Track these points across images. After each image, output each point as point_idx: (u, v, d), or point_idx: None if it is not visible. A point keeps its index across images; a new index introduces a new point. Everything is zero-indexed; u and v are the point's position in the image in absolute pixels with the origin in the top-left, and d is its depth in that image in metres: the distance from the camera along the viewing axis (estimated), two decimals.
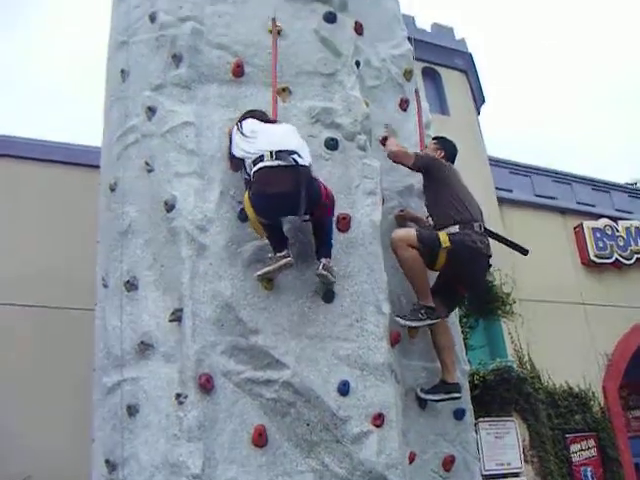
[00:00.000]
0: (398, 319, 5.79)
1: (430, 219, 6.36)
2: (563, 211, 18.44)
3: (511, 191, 17.46)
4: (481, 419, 12.54)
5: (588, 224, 18.12)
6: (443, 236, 5.82)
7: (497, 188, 16.77)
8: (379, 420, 5.33)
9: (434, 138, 6.96)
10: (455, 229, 5.89)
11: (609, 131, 54.00)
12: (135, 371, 5.54)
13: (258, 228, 5.33)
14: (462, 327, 7.63)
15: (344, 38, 6.68)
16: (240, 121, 5.66)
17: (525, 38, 58.77)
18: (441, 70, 17.04)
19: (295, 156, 5.24)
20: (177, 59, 6.23)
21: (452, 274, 6.04)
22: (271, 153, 5.20)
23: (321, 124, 6.20)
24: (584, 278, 17.79)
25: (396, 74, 7.23)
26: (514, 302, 14.06)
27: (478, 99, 18.38)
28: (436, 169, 6.31)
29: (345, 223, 5.85)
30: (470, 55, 17.89)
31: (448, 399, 6.05)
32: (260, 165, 5.20)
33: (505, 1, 58.21)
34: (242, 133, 5.50)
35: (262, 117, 5.72)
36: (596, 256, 17.82)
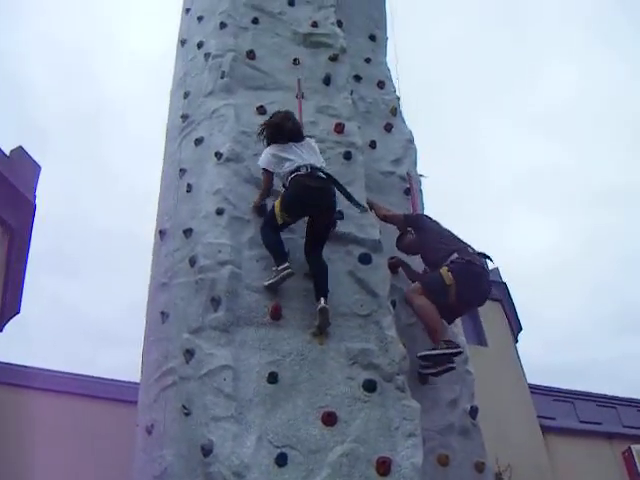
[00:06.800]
0: (423, 353, 6.47)
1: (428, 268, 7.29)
2: (610, 436, 17.85)
3: (554, 419, 17.07)
4: None
5: (636, 447, 17.39)
6: (444, 272, 6.67)
7: (540, 416, 16.46)
8: None
9: None
10: (455, 256, 6.80)
11: None
12: None
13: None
14: None
15: (379, 278, 6.84)
16: (271, 141, 6.95)
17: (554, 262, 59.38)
18: None
19: (324, 170, 6.67)
20: (216, 302, 6.36)
21: (460, 296, 6.69)
22: (306, 167, 6.55)
23: (359, 365, 6.19)
24: None
25: None
26: None
27: (515, 327, 18.41)
28: (421, 221, 7.44)
29: (385, 467, 5.67)
30: (504, 284, 18.11)
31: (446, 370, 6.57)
32: (297, 173, 6.52)
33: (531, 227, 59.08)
34: (277, 154, 6.77)
35: (292, 134, 6.88)
36: None
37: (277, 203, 6.53)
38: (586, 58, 55.59)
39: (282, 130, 6.90)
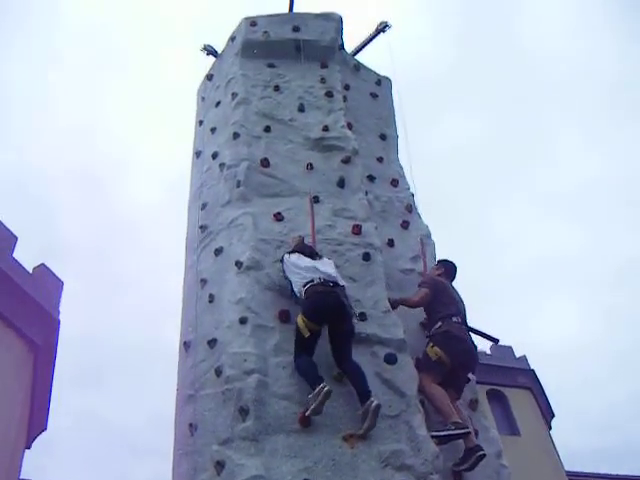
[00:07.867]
0: (432, 433, 6.49)
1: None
2: None
3: None
4: None
5: None
6: (429, 350, 7.18)
7: None
8: None
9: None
10: (438, 325, 7.35)
11: None
12: None
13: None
14: None
15: (406, 378, 6.84)
16: (289, 253, 7.34)
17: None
18: (506, 390, 16.94)
19: (335, 280, 6.94)
20: (244, 412, 6.32)
21: (453, 360, 7.12)
22: (320, 279, 6.85)
23: (391, 467, 6.11)
24: None
25: None
26: None
27: (547, 414, 18.11)
28: (434, 290, 7.69)
29: None
30: (533, 371, 17.90)
31: (478, 460, 6.56)
32: (310, 284, 6.82)
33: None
34: (292, 263, 7.13)
35: (304, 250, 7.32)
36: None
37: (299, 318, 6.67)
38: (600, 138, 56.18)
39: (300, 249, 7.36)
